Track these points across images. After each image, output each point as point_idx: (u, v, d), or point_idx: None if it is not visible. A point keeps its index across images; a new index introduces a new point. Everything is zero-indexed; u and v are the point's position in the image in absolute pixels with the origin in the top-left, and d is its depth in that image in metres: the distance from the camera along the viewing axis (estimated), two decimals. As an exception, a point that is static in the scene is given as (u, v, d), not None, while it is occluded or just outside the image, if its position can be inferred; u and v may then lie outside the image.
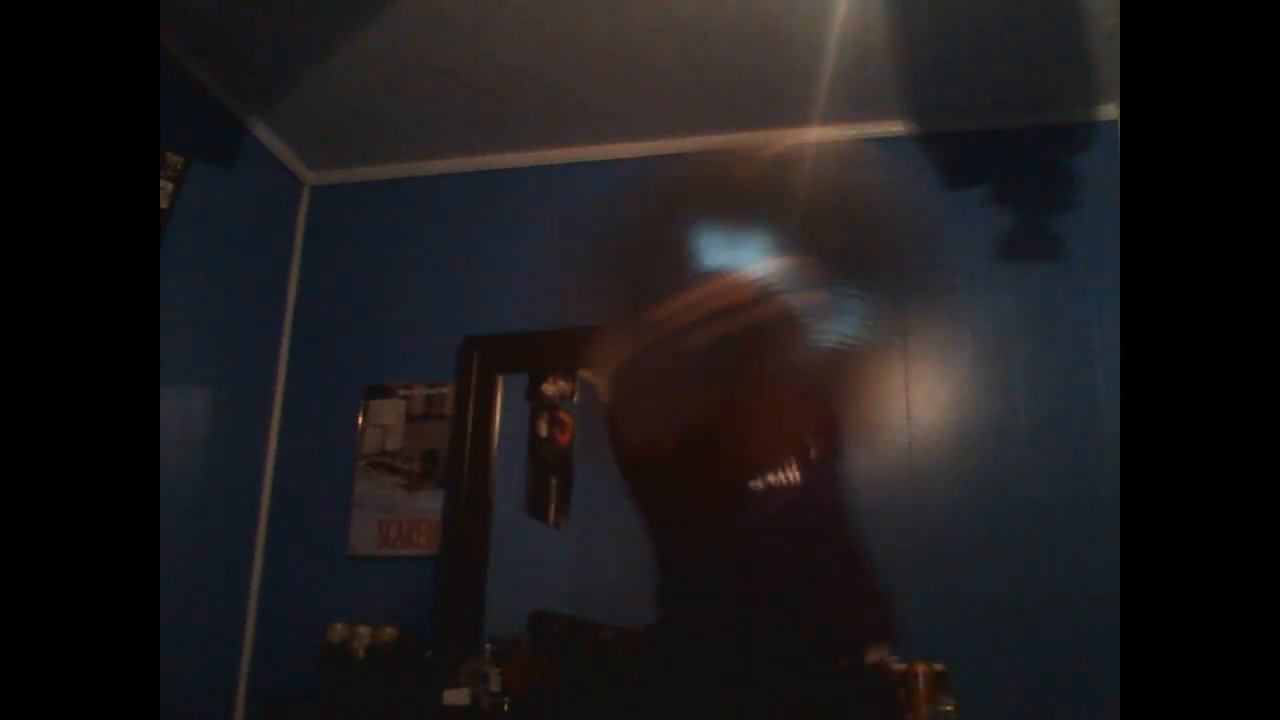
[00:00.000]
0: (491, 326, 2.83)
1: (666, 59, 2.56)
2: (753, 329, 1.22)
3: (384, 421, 2.84)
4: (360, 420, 2.85)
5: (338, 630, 2.48)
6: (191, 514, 2.52)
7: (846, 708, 1.27)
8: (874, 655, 1.31)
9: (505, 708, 2.27)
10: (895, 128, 2.78)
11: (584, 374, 2.65)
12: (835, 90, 2.62)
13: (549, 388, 2.80)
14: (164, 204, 2.34)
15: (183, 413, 2.53)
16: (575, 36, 2.47)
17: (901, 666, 2.17)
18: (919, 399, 2.56)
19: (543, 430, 2.77)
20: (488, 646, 2.42)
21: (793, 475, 1.31)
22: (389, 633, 2.46)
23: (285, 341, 2.99)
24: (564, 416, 2.78)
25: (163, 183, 2.34)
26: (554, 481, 2.78)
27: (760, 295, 1.23)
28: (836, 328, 1.31)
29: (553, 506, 2.77)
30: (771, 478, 1.29)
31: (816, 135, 2.77)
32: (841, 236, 1.41)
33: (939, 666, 2.17)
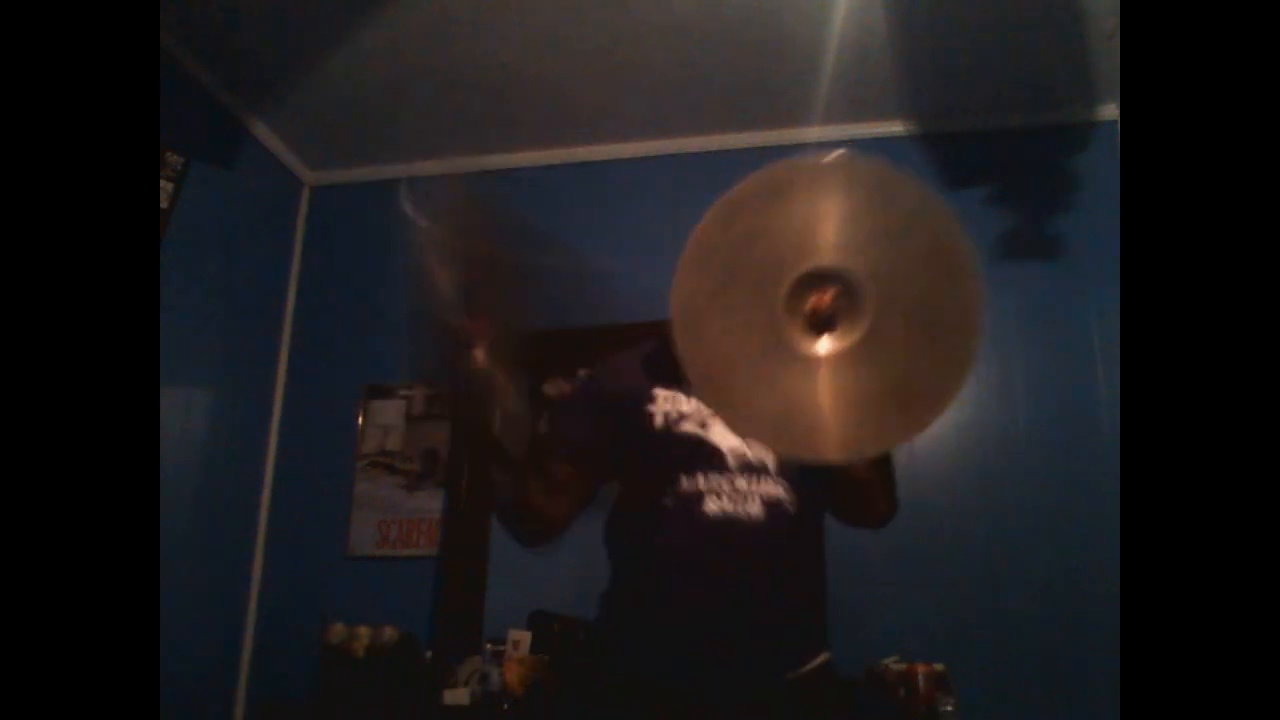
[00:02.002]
0: (491, 326, 2.82)
1: (666, 59, 2.56)
2: None
3: (384, 421, 2.84)
4: (360, 420, 2.85)
5: (338, 630, 2.48)
6: (191, 514, 2.52)
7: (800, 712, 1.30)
8: (815, 662, 1.34)
9: (505, 708, 2.27)
10: (895, 128, 2.78)
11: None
12: (835, 90, 2.62)
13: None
14: (164, 204, 2.34)
15: (183, 413, 2.53)
16: (575, 36, 2.47)
17: (901, 666, 2.17)
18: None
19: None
20: (487, 647, 2.42)
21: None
22: (389, 633, 2.46)
23: (285, 341, 2.99)
24: (564, 416, 2.77)
25: (163, 183, 2.34)
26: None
27: None
28: None
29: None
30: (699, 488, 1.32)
31: (817, 135, 2.78)
32: None
33: (939, 666, 2.17)
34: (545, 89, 2.70)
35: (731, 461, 1.34)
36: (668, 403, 1.39)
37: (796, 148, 2.87)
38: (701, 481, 1.32)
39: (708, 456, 1.34)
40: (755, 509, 1.32)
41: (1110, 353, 2.48)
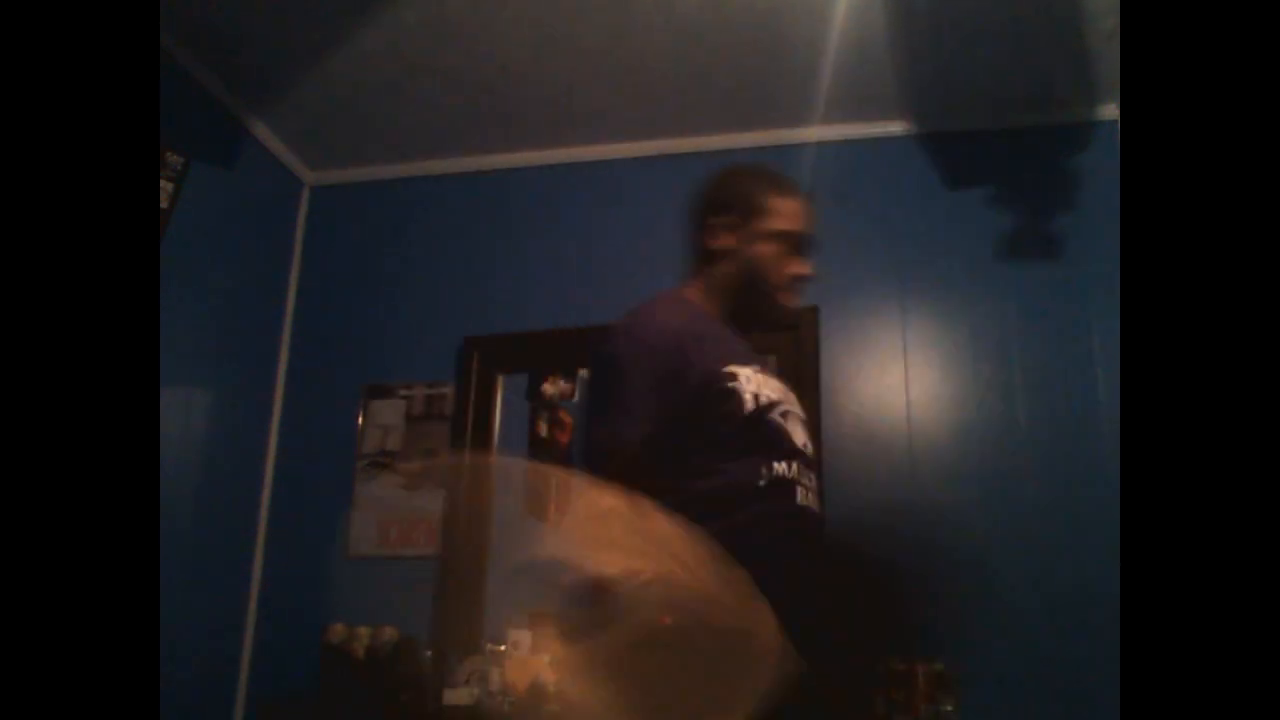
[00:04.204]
0: (491, 326, 2.83)
1: (666, 59, 2.56)
2: None
3: (384, 421, 2.83)
4: (360, 420, 2.85)
5: (338, 630, 2.48)
6: (191, 514, 2.52)
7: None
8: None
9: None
10: (895, 128, 2.78)
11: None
12: (835, 90, 2.62)
13: (549, 388, 2.80)
14: (164, 204, 2.34)
15: (183, 413, 2.53)
16: (575, 36, 2.47)
17: (902, 666, 2.17)
18: (919, 399, 2.56)
19: (543, 430, 2.77)
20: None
21: None
22: (389, 633, 2.46)
23: (285, 341, 2.99)
24: (564, 416, 2.77)
25: (163, 183, 2.34)
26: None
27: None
28: None
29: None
30: None
31: (816, 135, 2.78)
32: None
33: (939, 666, 2.17)
34: (545, 89, 2.70)
35: (804, 456, 1.36)
36: (752, 384, 1.32)
37: (796, 148, 2.89)
38: (793, 469, 1.31)
39: (792, 448, 1.34)
40: (818, 506, 1.36)
41: (1110, 353, 2.48)
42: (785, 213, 1.45)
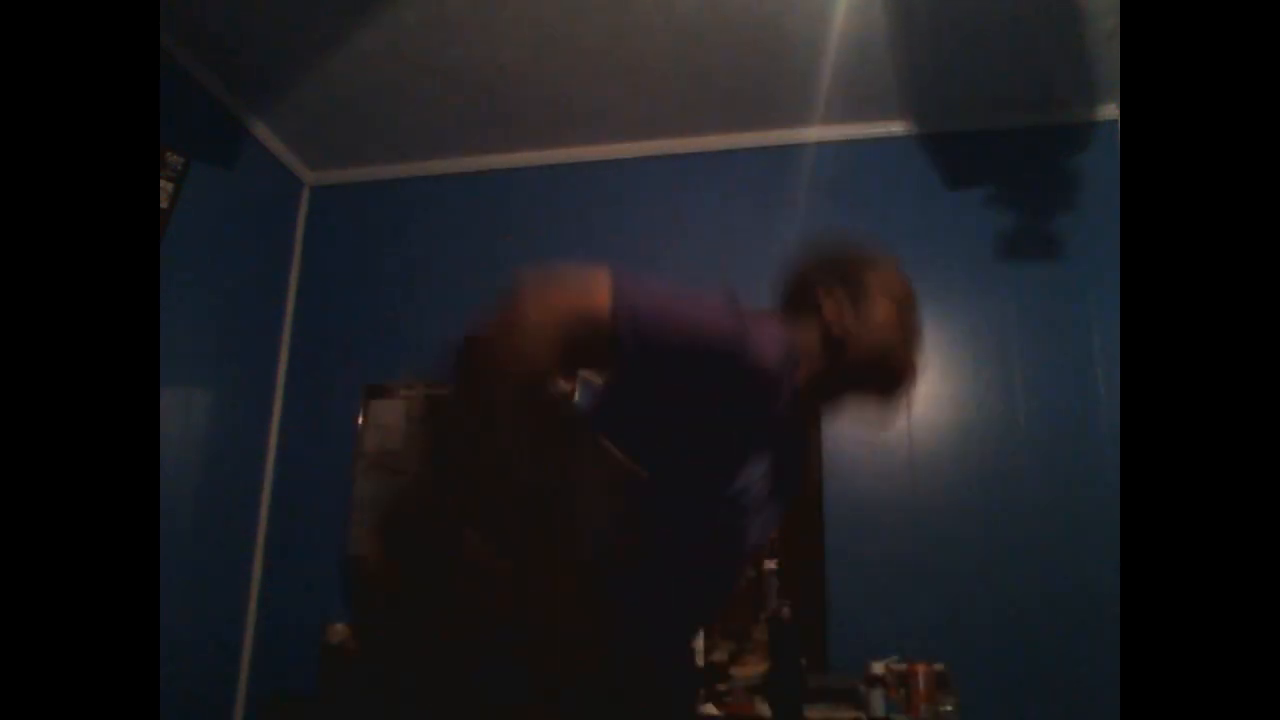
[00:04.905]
0: (491, 326, 2.83)
1: (666, 59, 2.56)
2: None
3: (384, 421, 2.83)
4: (360, 420, 2.85)
5: (338, 630, 2.48)
6: (191, 514, 2.52)
7: None
8: None
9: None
10: (895, 128, 2.78)
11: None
12: (835, 90, 2.62)
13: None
14: (164, 204, 2.34)
15: (183, 413, 2.53)
16: (575, 36, 2.47)
17: (901, 666, 2.18)
18: (919, 399, 2.56)
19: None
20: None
21: None
22: (389, 633, 2.46)
23: (285, 341, 2.99)
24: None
25: (163, 183, 2.34)
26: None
27: None
28: None
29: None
30: None
31: (816, 135, 2.78)
32: None
33: (939, 666, 2.17)
34: (545, 89, 2.70)
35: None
36: (757, 468, 1.16)
37: (797, 148, 2.89)
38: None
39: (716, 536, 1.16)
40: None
41: (1110, 352, 2.48)
42: (892, 284, 1.35)
